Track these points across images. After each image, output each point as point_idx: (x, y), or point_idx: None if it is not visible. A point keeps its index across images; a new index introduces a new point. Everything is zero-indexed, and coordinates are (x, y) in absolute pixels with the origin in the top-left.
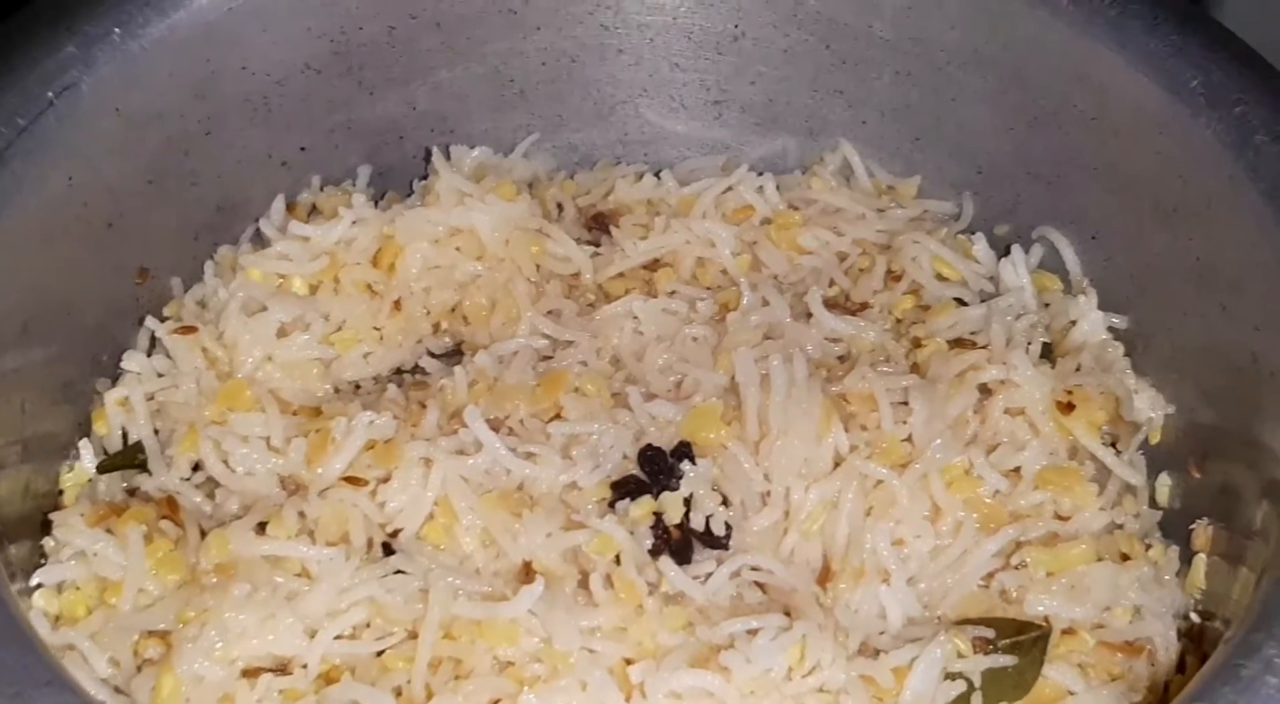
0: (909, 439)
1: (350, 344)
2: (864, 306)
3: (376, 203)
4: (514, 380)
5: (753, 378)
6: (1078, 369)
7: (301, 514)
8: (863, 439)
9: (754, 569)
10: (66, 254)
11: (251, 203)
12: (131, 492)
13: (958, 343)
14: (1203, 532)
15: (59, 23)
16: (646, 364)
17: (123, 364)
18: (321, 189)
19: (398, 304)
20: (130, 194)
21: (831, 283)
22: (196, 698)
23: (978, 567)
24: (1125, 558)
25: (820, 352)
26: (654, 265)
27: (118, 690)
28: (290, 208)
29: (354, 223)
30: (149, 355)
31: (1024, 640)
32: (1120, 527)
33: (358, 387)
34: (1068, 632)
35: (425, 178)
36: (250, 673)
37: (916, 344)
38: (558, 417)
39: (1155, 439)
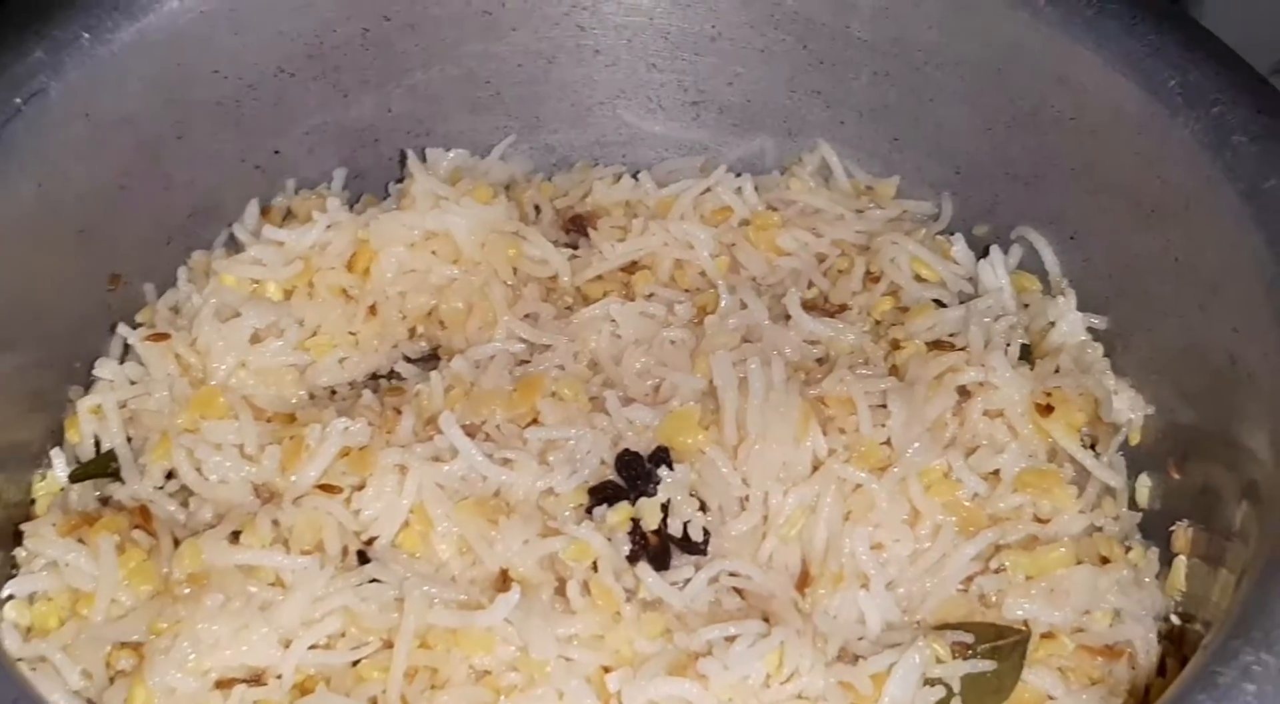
0: (888, 442)
1: (325, 350)
2: (843, 308)
3: (352, 206)
4: (490, 385)
5: (730, 381)
6: (1057, 370)
7: (276, 522)
8: (841, 442)
9: (732, 575)
10: (37, 261)
11: (225, 207)
12: (104, 500)
13: (936, 345)
14: (1183, 533)
15: (26, 27)
16: (624, 368)
17: (95, 371)
18: (296, 193)
19: (373, 309)
20: (101, 200)
21: (810, 284)
22: None
23: (957, 570)
24: (1105, 561)
25: (799, 354)
26: (632, 268)
27: (90, 703)
28: (264, 212)
29: (328, 227)
30: (122, 362)
31: (1003, 645)
32: (1100, 529)
33: (333, 392)
34: (1047, 636)
35: (401, 181)
36: (224, 684)
37: (895, 346)
38: (534, 422)
39: (1135, 440)
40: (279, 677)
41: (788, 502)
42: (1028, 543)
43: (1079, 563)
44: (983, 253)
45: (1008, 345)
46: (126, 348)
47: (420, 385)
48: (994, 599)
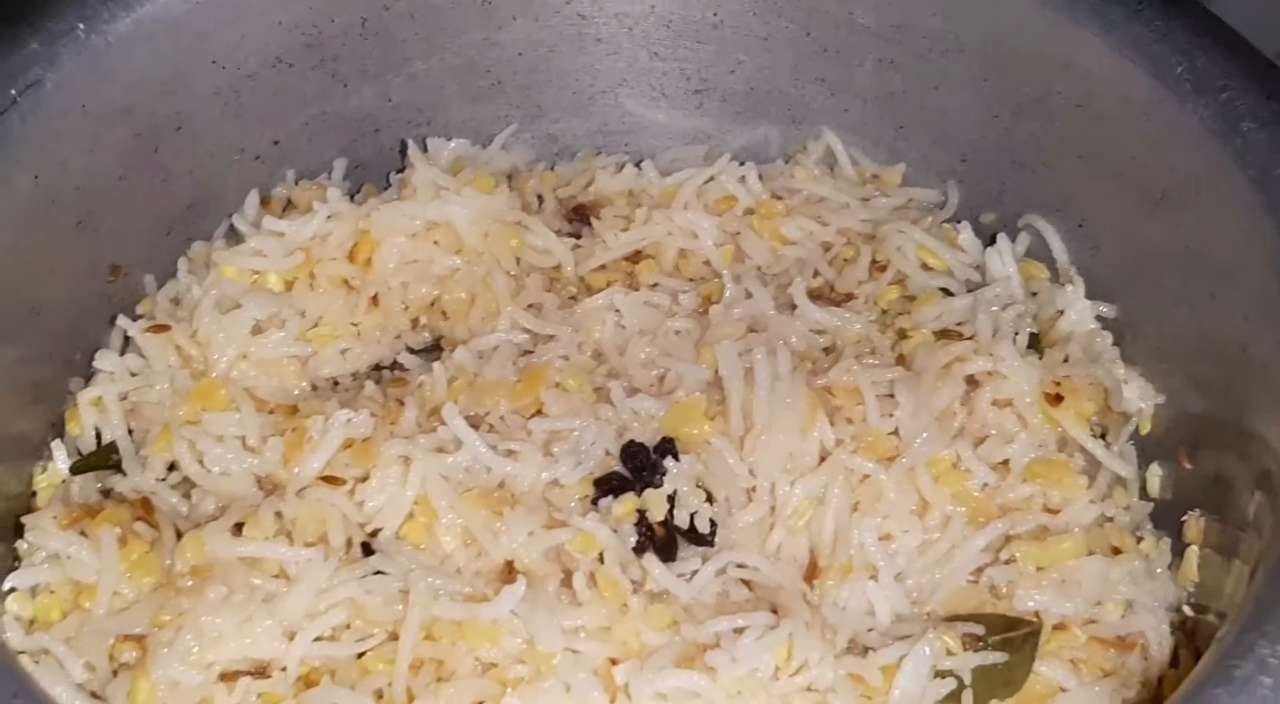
0: (895, 432)
1: (327, 341)
2: (849, 297)
3: (352, 196)
4: (494, 376)
5: (736, 372)
6: (1066, 359)
7: (279, 514)
8: (848, 433)
9: (740, 566)
10: (36, 253)
11: (224, 198)
12: (106, 493)
13: (944, 334)
14: (1195, 523)
15: (21, 19)
16: (629, 358)
17: (95, 363)
18: (296, 183)
19: (375, 299)
20: (100, 191)
21: (816, 273)
22: (173, 702)
23: (967, 561)
24: (1116, 551)
25: (804, 344)
26: (636, 257)
27: (94, 695)
28: (264, 202)
29: (329, 217)
30: (122, 354)
31: (1015, 637)
32: (1111, 519)
33: (335, 384)
34: (1059, 627)
35: (402, 171)
36: (228, 676)
37: (902, 335)
38: (539, 413)
39: (1145, 429)
40: (283, 669)
41: (795, 492)
42: (1038, 533)
43: (1090, 554)
44: (990, 241)
45: (1016, 334)
46: (127, 339)
47: (423, 376)
48: (1004, 590)
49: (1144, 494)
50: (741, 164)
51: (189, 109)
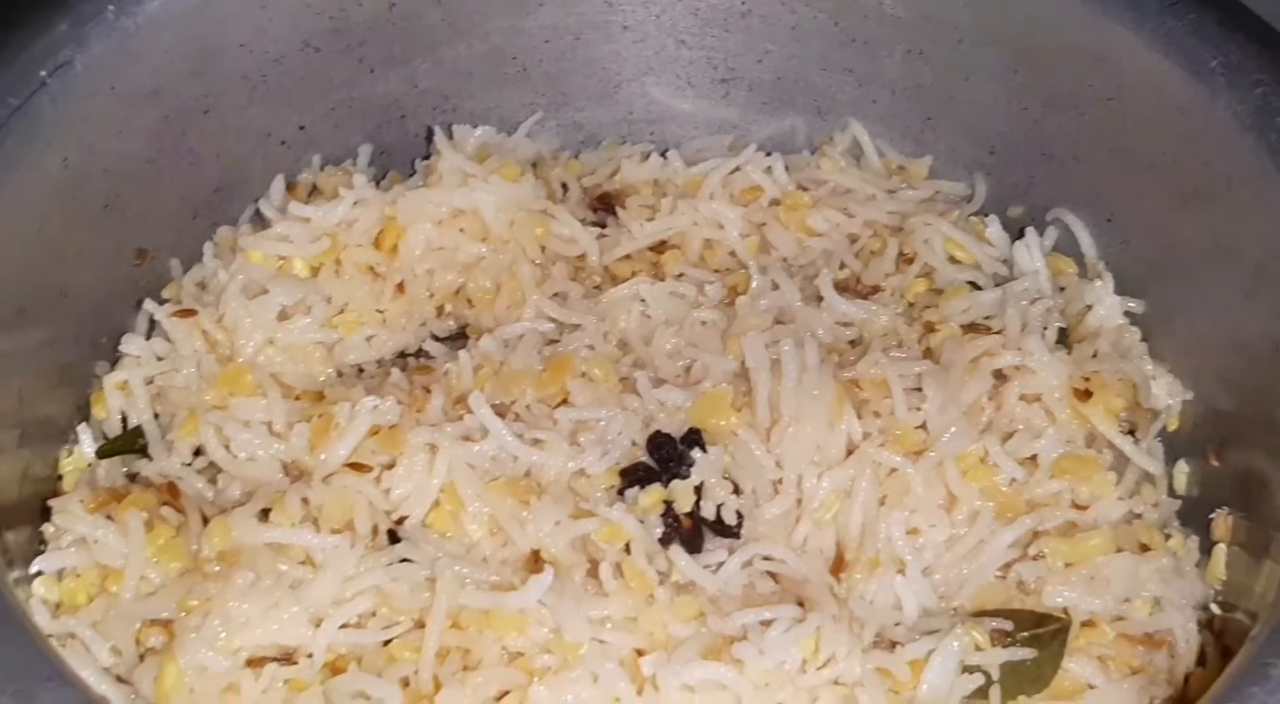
0: (923, 426)
1: (353, 327)
2: (875, 290)
3: (378, 183)
4: (520, 365)
5: (763, 363)
6: (1095, 355)
7: (305, 501)
8: (876, 426)
9: (766, 558)
10: (63, 236)
11: (250, 182)
12: (131, 477)
13: (972, 327)
14: (1223, 521)
15: (50, 0)
16: (654, 348)
17: (121, 347)
18: (322, 168)
19: (400, 286)
20: (128, 174)
21: (842, 265)
22: (200, 688)
23: (994, 557)
24: (1145, 548)
25: (831, 336)
26: (661, 247)
27: (120, 679)
28: (290, 187)
29: (355, 203)
30: (148, 338)
31: (1043, 633)
32: (1139, 516)
33: (360, 370)
34: (1087, 624)
35: (427, 157)
36: (255, 662)
37: (929, 328)
38: (564, 402)
39: (1172, 426)
40: (310, 656)
41: (822, 485)
42: (1066, 529)
43: (1119, 550)
44: (1018, 235)
45: (1045, 329)
46: (152, 323)
47: (449, 364)
48: (1033, 586)
49: (1171, 492)
50: (768, 154)
51: (216, 92)
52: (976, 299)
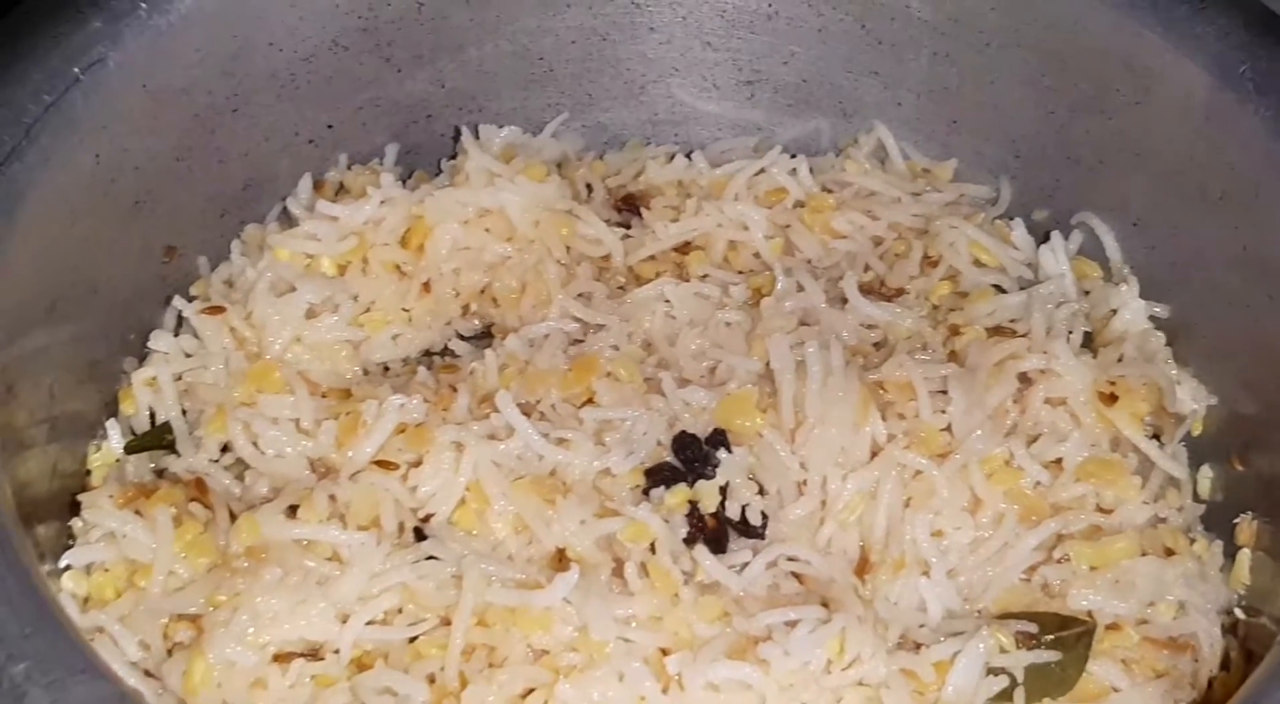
0: (948, 429)
1: (379, 326)
2: (900, 292)
3: (404, 182)
4: (545, 364)
5: (788, 365)
6: (1120, 359)
7: (332, 498)
8: (900, 428)
9: (790, 559)
10: (94, 232)
11: (277, 181)
12: (159, 473)
13: (997, 331)
14: (1247, 526)
15: None
16: (679, 349)
17: (150, 344)
18: (349, 167)
19: (427, 285)
20: (157, 171)
21: (866, 268)
22: (228, 682)
23: (1019, 560)
24: (1169, 552)
25: (856, 338)
26: (685, 248)
27: (148, 674)
28: (317, 186)
29: (383, 202)
30: (176, 335)
31: (1068, 636)
32: (1164, 520)
33: (386, 369)
34: (1112, 627)
35: (453, 157)
36: (282, 658)
37: (954, 331)
38: (590, 402)
39: (1196, 431)
40: (336, 652)
41: (847, 487)
42: (1090, 533)
43: (1143, 554)
44: (1043, 238)
45: (1070, 332)
46: (181, 320)
47: (475, 363)
48: (1057, 589)
49: (1195, 496)
50: (792, 156)
51: (246, 91)
52: (1001, 302)
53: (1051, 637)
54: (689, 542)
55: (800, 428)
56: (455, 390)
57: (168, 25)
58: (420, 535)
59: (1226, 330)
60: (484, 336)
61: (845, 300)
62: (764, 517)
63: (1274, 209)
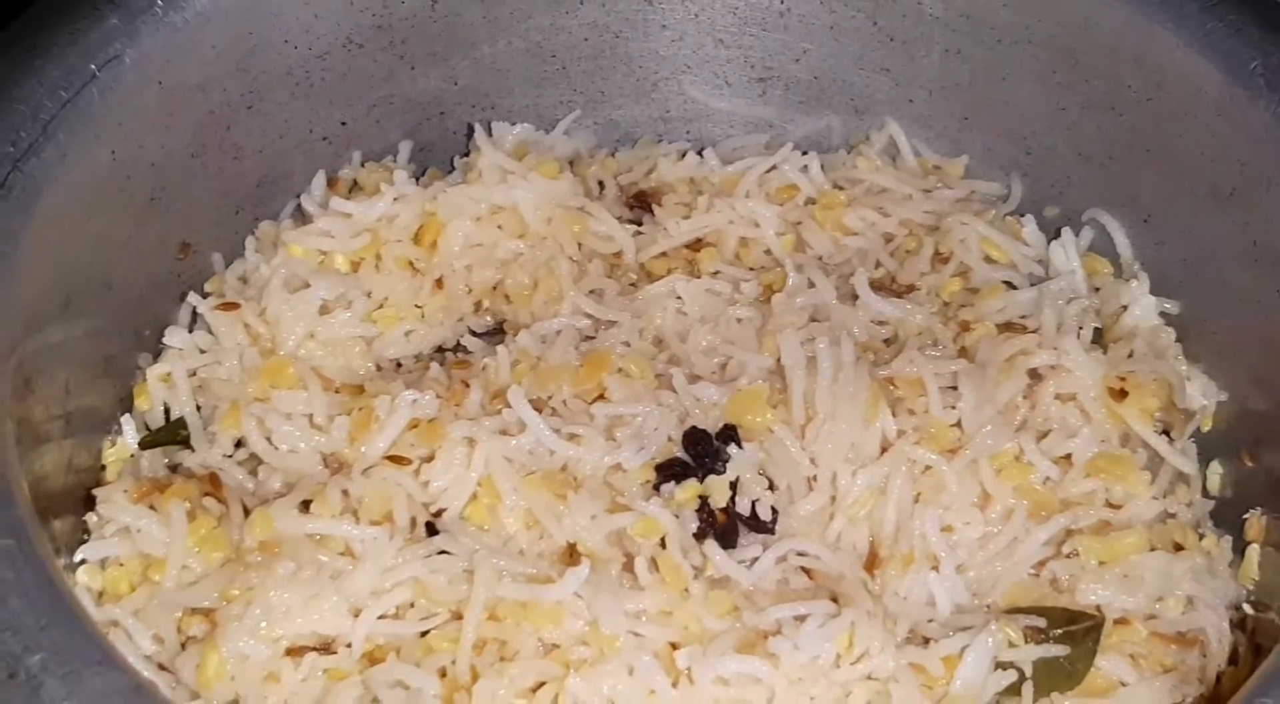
0: (958, 424)
1: (392, 322)
2: (911, 289)
3: (417, 179)
4: (557, 360)
5: (799, 361)
6: (1130, 355)
7: (345, 493)
8: (911, 424)
9: (800, 554)
10: (109, 228)
11: (291, 178)
12: (173, 468)
13: (1007, 327)
14: (1256, 522)
15: None
16: (690, 345)
17: (165, 340)
18: (362, 165)
19: (439, 282)
20: (173, 168)
21: (877, 264)
22: (241, 676)
23: (1028, 555)
24: (1178, 547)
25: (866, 334)
26: (697, 245)
27: (161, 667)
28: (331, 183)
29: (396, 199)
30: (190, 331)
31: (1076, 630)
32: (1173, 516)
33: (399, 365)
34: (1120, 622)
35: (466, 154)
36: (294, 652)
37: (965, 327)
38: (601, 398)
39: (1206, 427)
40: (349, 645)
41: (856, 482)
42: (1100, 528)
43: (1152, 549)
44: (1054, 234)
45: (1080, 328)
46: (194, 316)
47: (487, 359)
48: (1066, 584)
49: (1204, 492)
50: (804, 153)
51: (261, 88)
52: (1012, 298)
53: (1060, 631)
54: (699, 537)
55: (811, 423)
56: (467, 386)
57: (183, 22)
58: (432, 530)
59: (1237, 326)
60: (496, 333)
61: (856, 297)
62: (774, 512)
63: None
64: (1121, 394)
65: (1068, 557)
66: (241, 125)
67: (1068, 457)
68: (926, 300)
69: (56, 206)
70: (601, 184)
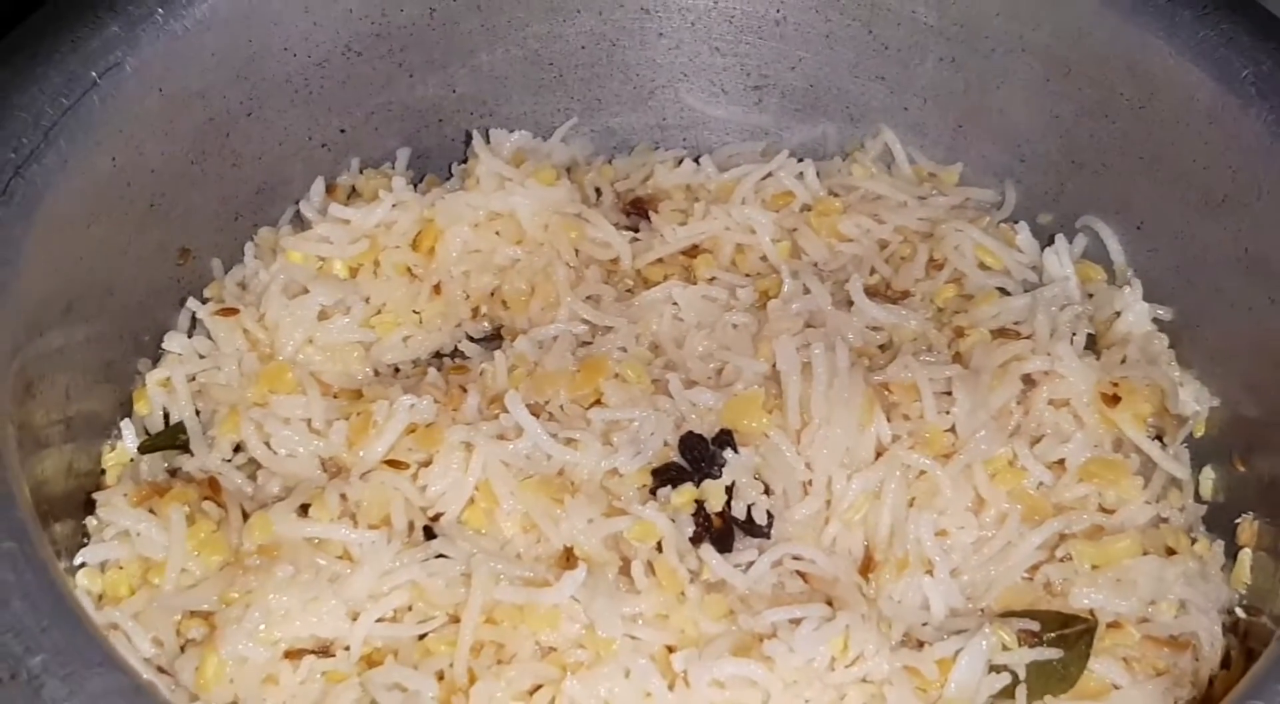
0: (952, 429)
1: (390, 327)
2: (905, 295)
3: (415, 186)
4: (554, 366)
5: (794, 366)
6: (1123, 361)
7: (343, 497)
8: (905, 429)
9: (796, 558)
10: (110, 234)
11: (290, 184)
12: (173, 472)
13: (1001, 333)
14: (1248, 526)
15: (102, 2)
16: (686, 351)
17: (164, 345)
18: (361, 171)
19: (437, 288)
20: (172, 174)
21: (872, 271)
22: (240, 679)
23: (1022, 559)
24: (1171, 552)
25: (861, 340)
26: (693, 252)
27: (161, 670)
28: (330, 189)
29: (394, 206)
30: (190, 336)
31: (1069, 634)
32: (1165, 520)
33: (397, 370)
34: (1113, 625)
35: (464, 161)
36: (293, 654)
37: (959, 333)
38: (598, 403)
39: (1198, 432)
40: (347, 648)
41: (851, 487)
42: (1093, 533)
43: (1145, 554)
44: (1047, 241)
45: (1074, 334)
46: (194, 321)
47: (485, 364)
48: (1059, 588)
49: (1197, 497)
50: (799, 160)
51: (260, 95)
52: (1006, 305)
53: (1053, 635)
54: (695, 540)
55: (806, 428)
56: (465, 391)
57: (184, 30)
58: (430, 534)
59: (1229, 332)
60: (493, 338)
61: (851, 303)
62: (769, 516)
63: (1276, 212)
64: (1114, 400)
65: (1061, 561)
66: (241, 132)
67: (1061, 462)
68: (921, 306)
69: (57, 213)
70: (598, 191)
